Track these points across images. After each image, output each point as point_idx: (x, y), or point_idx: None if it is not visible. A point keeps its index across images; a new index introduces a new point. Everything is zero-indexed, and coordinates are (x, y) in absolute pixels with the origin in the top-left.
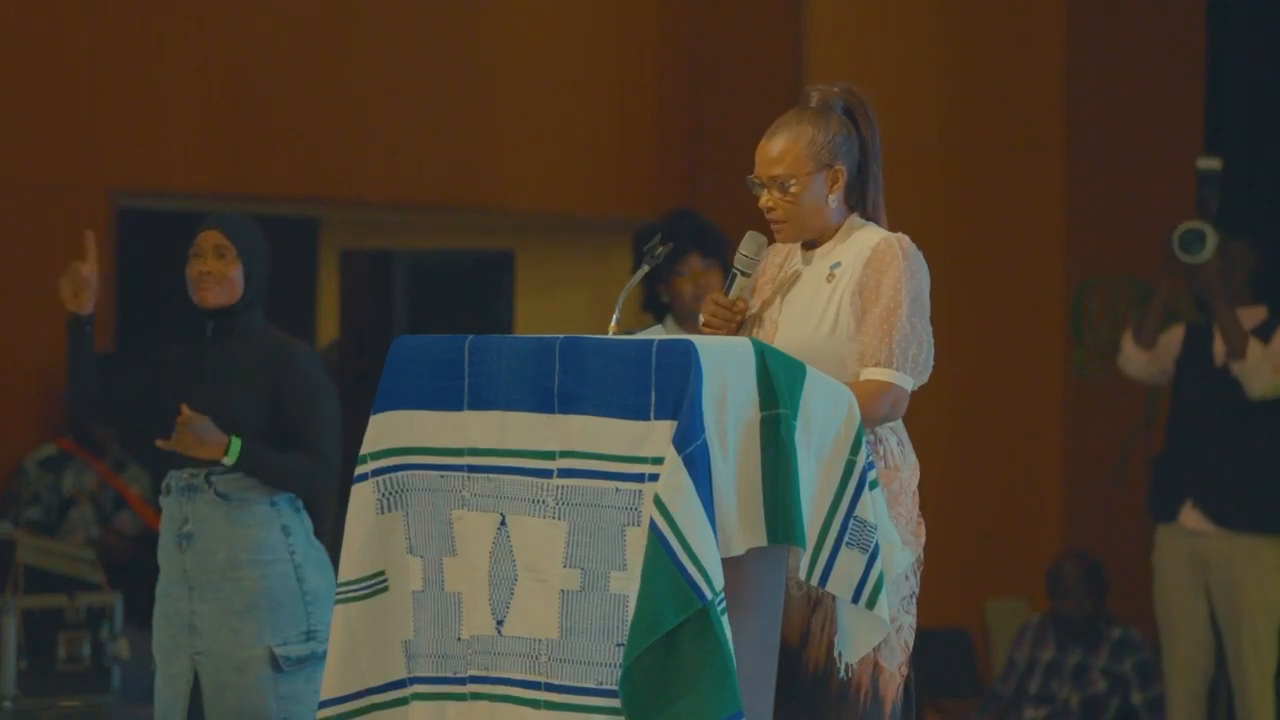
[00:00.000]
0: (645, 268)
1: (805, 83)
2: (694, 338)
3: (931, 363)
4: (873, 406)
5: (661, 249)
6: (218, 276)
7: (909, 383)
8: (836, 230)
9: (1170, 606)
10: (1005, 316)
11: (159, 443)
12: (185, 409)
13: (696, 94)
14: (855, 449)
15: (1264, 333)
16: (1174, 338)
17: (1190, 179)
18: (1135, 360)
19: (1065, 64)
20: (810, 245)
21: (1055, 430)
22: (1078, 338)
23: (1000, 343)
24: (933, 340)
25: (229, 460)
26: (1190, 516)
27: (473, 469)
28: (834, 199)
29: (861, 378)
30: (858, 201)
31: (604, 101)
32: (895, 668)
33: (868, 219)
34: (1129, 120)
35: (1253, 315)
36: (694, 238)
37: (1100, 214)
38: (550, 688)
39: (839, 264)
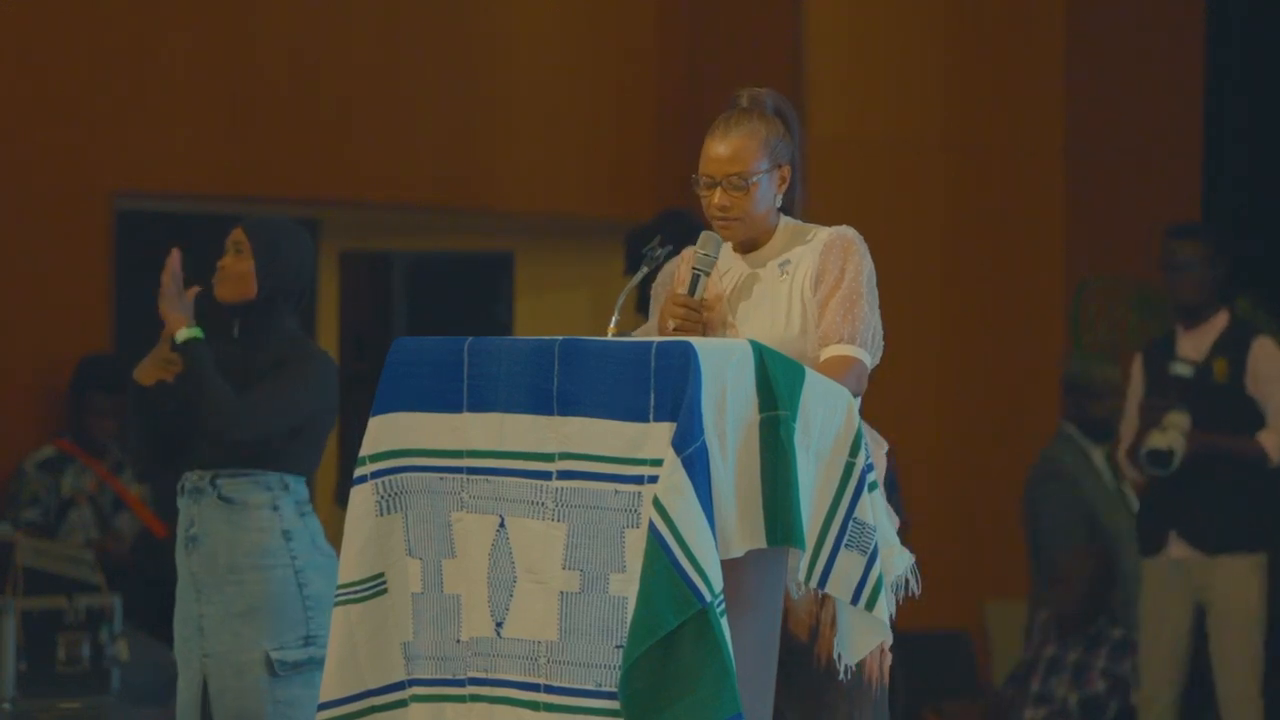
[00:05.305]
0: (644, 269)
1: (805, 84)
2: (693, 339)
3: (882, 349)
4: (841, 381)
5: (661, 250)
6: (229, 272)
7: (869, 360)
8: (774, 232)
9: (1158, 629)
10: (1005, 317)
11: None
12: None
13: (696, 95)
14: (854, 451)
15: (1230, 349)
16: (1136, 385)
17: (1190, 181)
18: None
19: (1065, 64)
20: (747, 249)
21: (1055, 431)
22: (1076, 340)
23: (1000, 343)
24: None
25: (180, 337)
26: (1177, 547)
27: (472, 471)
28: (779, 198)
29: (824, 356)
30: (786, 204)
31: (603, 103)
32: (889, 650)
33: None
34: (1129, 120)
35: (1217, 324)
36: (686, 240)
37: (1100, 214)
38: (549, 689)
39: (788, 261)
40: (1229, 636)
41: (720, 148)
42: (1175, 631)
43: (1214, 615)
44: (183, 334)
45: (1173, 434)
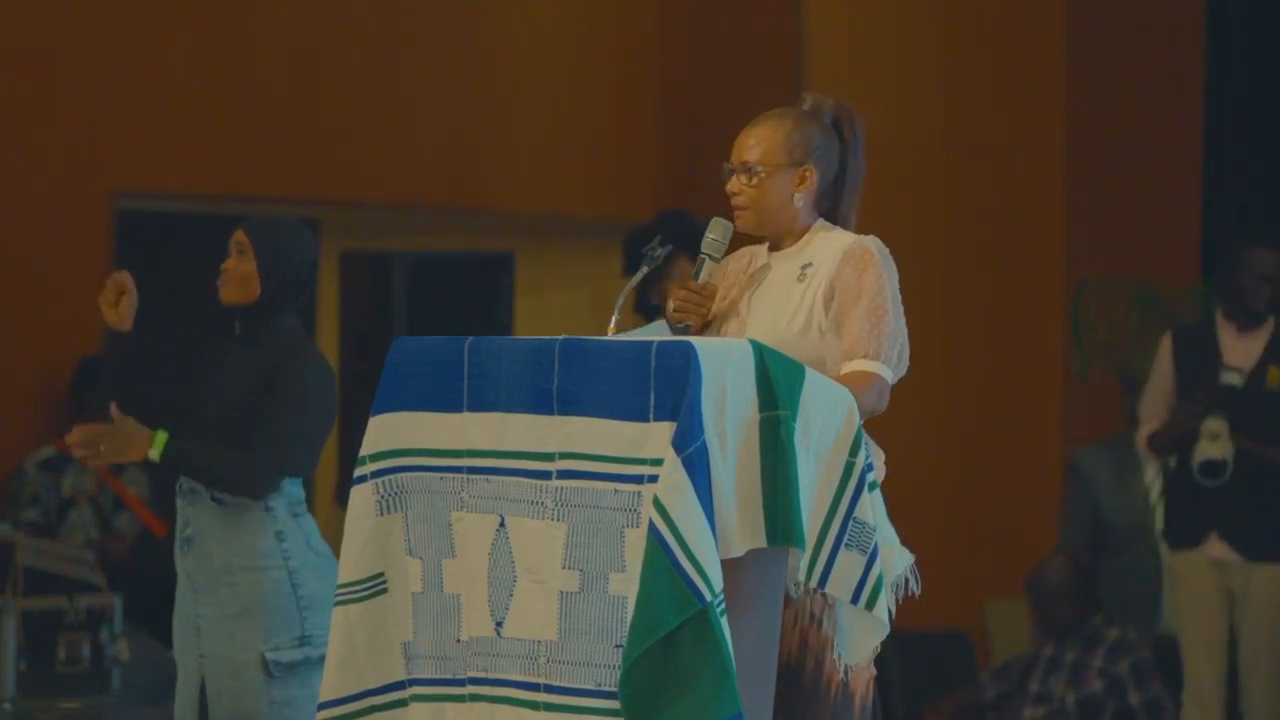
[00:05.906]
0: (644, 269)
1: (805, 84)
2: (693, 339)
3: (908, 361)
4: (861, 398)
5: (661, 250)
6: (233, 274)
7: (892, 376)
8: (804, 232)
9: (1189, 627)
10: (1005, 317)
11: (69, 443)
12: (115, 412)
13: (696, 95)
14: (854, 450)
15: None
16: (1165, 369)
17: (1190, 181)
18: (1146, 454)
19: (1065, 64)
20: (775, 246)
21: (1055, 431)
22: (1077, 340)
23: (1000, 343)
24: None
25: (154, 456)
26: (1216, 547)
27: (472, 470)
28: (800, 198)
29: (844, 370)
30: (829, 211)
31: (604, 102)
32: (865, 664)
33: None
34: (1129, 120)
35: (1266, 330)
36: (685, 240)
37: (1100, 214)
38: (549, 689)
39: (810, 264)
40: (1261, 641)
41: (744, 136)
42: (1219, 624)
43: (1247, 618)
44: (154, 454)
45: (1223, 442)
